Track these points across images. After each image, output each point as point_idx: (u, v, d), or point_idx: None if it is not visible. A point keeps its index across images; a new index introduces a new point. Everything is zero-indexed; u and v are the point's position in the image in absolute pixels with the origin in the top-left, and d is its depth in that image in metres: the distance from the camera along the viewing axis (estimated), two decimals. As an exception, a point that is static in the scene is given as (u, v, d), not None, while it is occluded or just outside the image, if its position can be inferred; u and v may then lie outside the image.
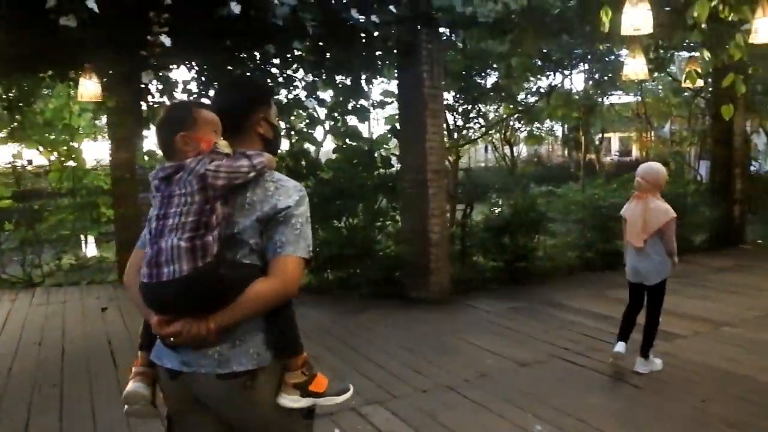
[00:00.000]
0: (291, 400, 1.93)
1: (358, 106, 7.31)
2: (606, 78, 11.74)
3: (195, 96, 8.33)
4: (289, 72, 6.76)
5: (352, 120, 7.61)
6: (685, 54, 10.29)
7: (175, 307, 1.82)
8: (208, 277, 1.78)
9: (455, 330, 6.14)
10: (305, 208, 1.96)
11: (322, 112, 8.11)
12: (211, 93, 8.11)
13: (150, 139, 9.27)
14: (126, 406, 2.08)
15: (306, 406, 1.96)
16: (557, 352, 5.37)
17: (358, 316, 6.79)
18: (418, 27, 6.71)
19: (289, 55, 6.42)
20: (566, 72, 11.27)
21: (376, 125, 14.85)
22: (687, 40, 7.47)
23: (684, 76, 7.04)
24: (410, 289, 7.35)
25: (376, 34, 5.98)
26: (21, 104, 8.59)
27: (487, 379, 4.81)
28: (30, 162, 10.90)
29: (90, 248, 11.12)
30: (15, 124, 9.52)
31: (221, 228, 1.84)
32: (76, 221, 10.32)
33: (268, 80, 6.83)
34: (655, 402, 4.29)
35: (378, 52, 6.78)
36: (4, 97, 8.45)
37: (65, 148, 10.11)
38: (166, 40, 4.12)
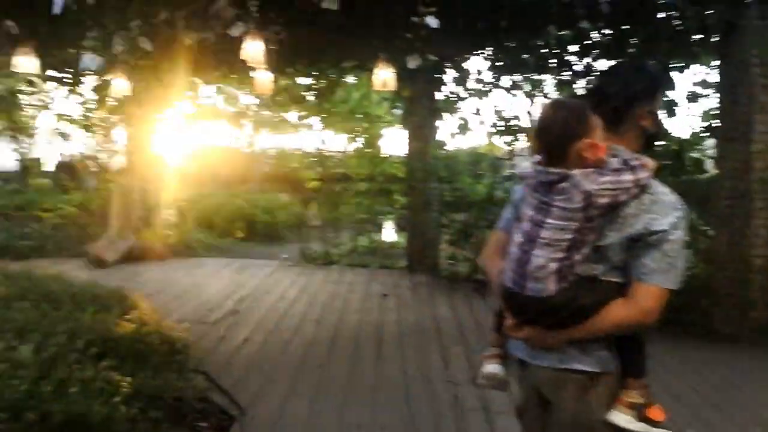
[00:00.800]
0: (624, 420, 1.84)
1: (667, 99, 6.23)
2: None
3: (489, 86, 8.03)
4: (588, 60, 5.99)
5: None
6: None
7: (531, 320, 1.86)
8: (570, 301, 1.78)
9: (778, 384, 4.86)
10: (682, 232, 1.79)
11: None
12: (504, 83, 7.73)
13: (442, 130, 9.23)
14: (481, 380, 2.15)
15: (637, 431, 1.84)
16: None
17: (652, 345, 5.81)
18: (744, 1, 5.42)
19: (588, 41, 5.66)
20: None
21: (688, 122, 13.13)
22: None
23: None
24: (720, 322, 6.07)
25: (687, 12, 4.93)
26: (329, 94, 9.10)
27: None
28: (345, 150, 11.61)
29: (386, 233, 11.57)
30: (325, 115, 10.19)
31: (591, 244, 1.78)
32: (372, 206, 10.75)
33: (564, 69, 6.21)
34: None
35: (695, 36, 5.64)
36: (315, 86, 9.02)
37: (366, 136, 10.56)
38: (433, 22, 3.76)
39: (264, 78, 7.18)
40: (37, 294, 4.30)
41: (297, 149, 13.61)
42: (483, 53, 7.17)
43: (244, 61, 4.81)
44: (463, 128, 8.86)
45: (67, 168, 13.75)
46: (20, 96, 12.88)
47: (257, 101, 13.62)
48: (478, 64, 7.97)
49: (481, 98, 8.32)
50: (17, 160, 14.97)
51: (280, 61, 6.62)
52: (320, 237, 10.69)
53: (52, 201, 11.81)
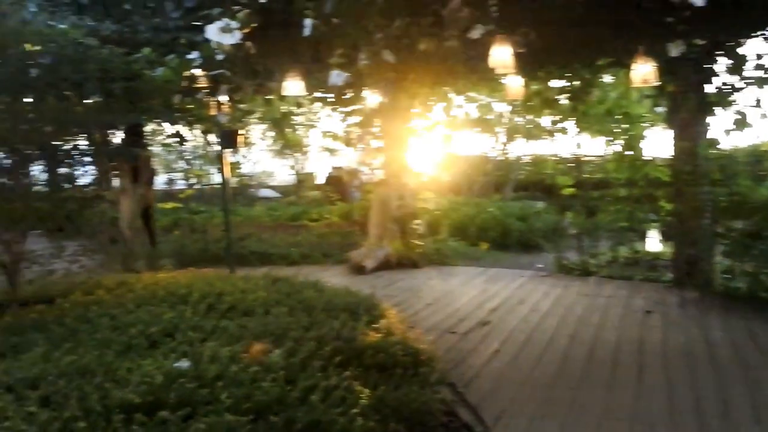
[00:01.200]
0: None
1: None
2: None
3: (773, 73, 7.00)
4: None
5: None
6: None
7: None
8: None
9: None
10: None
11: None
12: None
13: (715, 127, 8.26)
14: None
15: None
16: None
17: None
18: None
19: None
20: None
21: None
22: None
23: None
24: None
25: None
26: (584, 95, 8.67)
27: None
28: (602, 153, 11.02)
29: (650, 243, 10.69)
30: (580, 118, 9.72)
31: None
32: (633, 213, 10.00)
33: None
34: None
35: None
36: (568, 88, 8.63)
37: (625, 137, 9.85)
38: (697, 0, 3.24)
39: (515, 83, 7.00)
40: (294, 300, 4.55)
41: (552, 155, 13.19)
42: (763, 33, 6.22)
43: (493, 68, 4.67)
44: (741, 123, 7.83)
45: (334, 181, 14.92)
46: (292, 117, 14.32)
47: (510, 108, 13.49)
48: (756, 47, 6.96)
49: (761, 87, 7.28)
50: (293, 174, 16.67)
51: (529, 65, 6.38)
52: (577, 246, 10.17)
53: (320, 211, 12.86)
